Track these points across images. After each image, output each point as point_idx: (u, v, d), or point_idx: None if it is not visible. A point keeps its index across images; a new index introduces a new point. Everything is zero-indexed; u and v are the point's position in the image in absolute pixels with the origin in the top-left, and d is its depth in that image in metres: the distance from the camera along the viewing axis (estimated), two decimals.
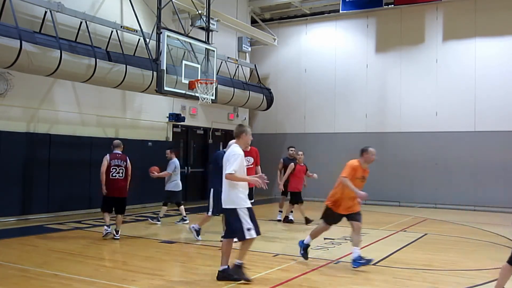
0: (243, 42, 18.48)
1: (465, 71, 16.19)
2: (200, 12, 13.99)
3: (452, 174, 15.88)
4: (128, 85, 12.40)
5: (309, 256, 7.85)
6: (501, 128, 15.34)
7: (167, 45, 11.50)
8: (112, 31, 12.59)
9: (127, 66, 12.10)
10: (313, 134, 18.75)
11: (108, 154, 9.20)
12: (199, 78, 12.15)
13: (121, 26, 12.82)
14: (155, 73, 11.87)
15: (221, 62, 16.32)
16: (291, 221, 11.77)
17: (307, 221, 11.46)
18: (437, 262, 7.61)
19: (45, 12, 11.03)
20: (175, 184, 11.42)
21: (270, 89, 18.94)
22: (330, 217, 7.49)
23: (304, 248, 7.52)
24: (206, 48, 12.77)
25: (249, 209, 6.15)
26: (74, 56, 10.89)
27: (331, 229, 11.13)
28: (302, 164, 12.04)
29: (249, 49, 19.04)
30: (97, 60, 11.36)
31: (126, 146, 13.78)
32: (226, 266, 6.11)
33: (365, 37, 17.98)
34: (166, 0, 12.16)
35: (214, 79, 12.71)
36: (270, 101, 18.60)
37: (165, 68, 11.36)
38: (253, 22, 19.33)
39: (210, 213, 8.73)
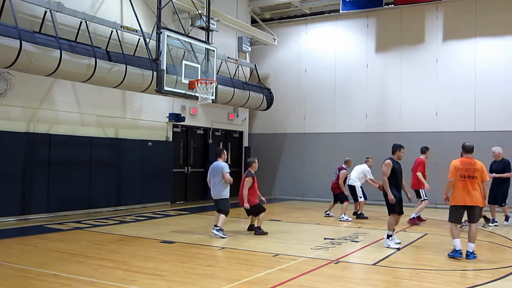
0: (243, 42, 18.48)
1: (465, 71, 16.19)
2: (200, 12, 13.99)
3: None
4: (128, 85, 12.39)
5: (309, 256, 7.85)
6: (501, 128, 15.33)
7: (167, 45, 11.49)
8: (112, 31, 12.58)
9: (127, 66, 12.09)
10: (313, 134, 18.74)
11: None
12: (199, 78, 12.14)
13: (121, 26, 12.81)
14: (155, 73, 11.87)
15: (221, 62, 16.31)
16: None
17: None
18: (437, 262, 7.61)
19: (45, 12, 11.03)
20: None
21: (270, 89, 18.93)
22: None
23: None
24: (206, 48, 12.76)
25: None
26: (74, 56, 10.89)
27: (331, 229, 11.18)
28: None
29: (249, 49, 19.04)
30: (97, 60, 11.35)
31: (126, 146, 13.92)
32: None
33: (365, 37, 17.97)
34: (166, 0, 12.16)
35: (214, 79, 12.71)
36: (270, 101, 18.60)
37: (165, 68, 11.36)
38: (253, 22, 19.32)
39: None
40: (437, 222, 12.36)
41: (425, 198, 11.77)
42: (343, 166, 12.87)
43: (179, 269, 6.90)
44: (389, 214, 8.75)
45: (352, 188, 12.77)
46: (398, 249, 8.42)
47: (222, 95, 14.63)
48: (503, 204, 11.39)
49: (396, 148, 8.92)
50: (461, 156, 8.35)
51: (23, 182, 11.31)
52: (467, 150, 8.07)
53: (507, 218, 11.65)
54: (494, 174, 11.16)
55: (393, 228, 8.71)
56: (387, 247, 8.56)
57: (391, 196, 8.51)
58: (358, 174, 12.80)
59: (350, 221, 12.17)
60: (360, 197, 12.72)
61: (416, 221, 11.75)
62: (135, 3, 12.85)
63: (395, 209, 8.67)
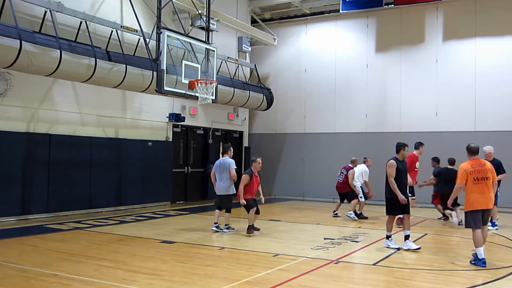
0: (243, 42, 18.48)
1: (465, 71, 16.20)
2: (200, 12, 13.99)
3: None
4: (128, 85, 12.39)
5: (309, 256, 7.85)
6: (501, 128, 15.34)
7: (167, 45, 11.49)
8: (112, 31, 12.58)
9: (127, 66, 12.09)
10: (313, 134, 18.75)
11: None
12: (199, 78, 12.14)
13: (121, 26, 12.81)
14: (155, 73, 11.87)
15: (221, 62, 16.31)
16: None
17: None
18: (437, 262, 7.60)
19: (45, 12, 11.03)
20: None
21: (270, 89, 18.94)
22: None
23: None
24: (206, 48, 12.76)
25: None
26: (74, 56, 10.89)
27: (331, 229, 11.18)
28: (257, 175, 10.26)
29: (249, 49, 19.04)
30: (97, 60, 11.35)
31: (126, 146, 13.92)
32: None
33: (365, 37, 17.98)
34: (166, 0, 12.16)
35: (214, 79, 12.71)
36: (270, 101, 18.60)
37: (165, 68, 11.36)
38: (253, 22, 19.33)
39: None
40: (437, 222, 12.37)
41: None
42: (350, 165, 12.95)
43: (179, 269, 6.91)
44: (387, 214, 8.65)
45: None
46: (398, 249, 8.41)
47: (222, 95, 14.63)
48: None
49: (400, 146, 8.63)
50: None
51: (23, 182, 11.31)
52: (473, 151, 7.63)
53: (493, 224, 11.05)
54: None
55: (391, 229, 8.64)
56: (387, 247, 8.54)
57: (401, 197, 8.28)
58: (358, 175, 12.83)
59: (356, 219, 12.25)
60: (361, 197, 12.74)
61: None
62: (135, 3, 12.85)
63: (393, 210, 8.54)
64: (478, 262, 7.27)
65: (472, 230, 7.42)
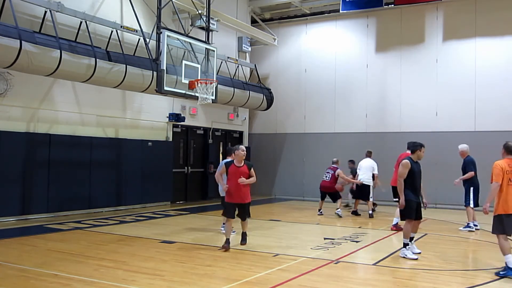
0: (243, 42, 18.48)
1: (465, 71, 16.19)
2: (200, 12, 13.99)
3: (452, 174, 15.81)
4: (128, 85, 12.39)
5: (309, 256, 7.85)
6: (501, 128, 15.32)
7: (167, 45, 11.50)
8: (112, 31, 12.58)
9: (127, 66, 12.09)
10: (313, 134, 18.75)
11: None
12: (199, 78, 12.15)
13: (121, 26, 12.81)
14: (155, 73, 11.87)
15: (221, 62, 16.31)
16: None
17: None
18: (437, 262, 7.61)
19: (45, 12, 11.03)
20: None
21: (270, 89, 18.93)
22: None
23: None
24: (206, 48, 12.76)
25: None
26: (74, 56, 10.89)
27: (331, 229, 11.18)
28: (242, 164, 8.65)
29: (249, 49, 19.03)
30: (97, 60, 11.35)
31: (126, 146, 13.93)
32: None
33: (365, 37, 17.98)
34: (166, 0, 12.16)
35: (214, 79, 12.71)
36: (270, 101, 18.60)
37: (165, 68, 11.36)
38: (253, 22, 19.33)
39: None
40: (436, 222, 12.37)
41: None
42: (335, 166, 13.52)
43: (179, 269, 6.91)
44: (402, 219, 8.17)
45: (365, 187, 13.01)
46: (419, 253, 8.04)
47: (222, 95, 14.63)
48: (465, 205, 10.85)
49: (416, 147, 8.06)
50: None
51: (23, 182, 11.31)
52: (510, 150, 7.07)
53: (467, 225, 10.84)
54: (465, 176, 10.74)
55: (409, 236, 7.92)
56: (404, 257, 7.81)
57: (403, 202, 7.82)
58: (369, 169, 13.12)
59: (341, 217, 12.74)
60: (371, 197, 13.01)
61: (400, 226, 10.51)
62: (135, 3, 12.85)
63: (410, 214, 7.86)
64: (509, 272, 6.59)
65: (498, 236, 6.85)
